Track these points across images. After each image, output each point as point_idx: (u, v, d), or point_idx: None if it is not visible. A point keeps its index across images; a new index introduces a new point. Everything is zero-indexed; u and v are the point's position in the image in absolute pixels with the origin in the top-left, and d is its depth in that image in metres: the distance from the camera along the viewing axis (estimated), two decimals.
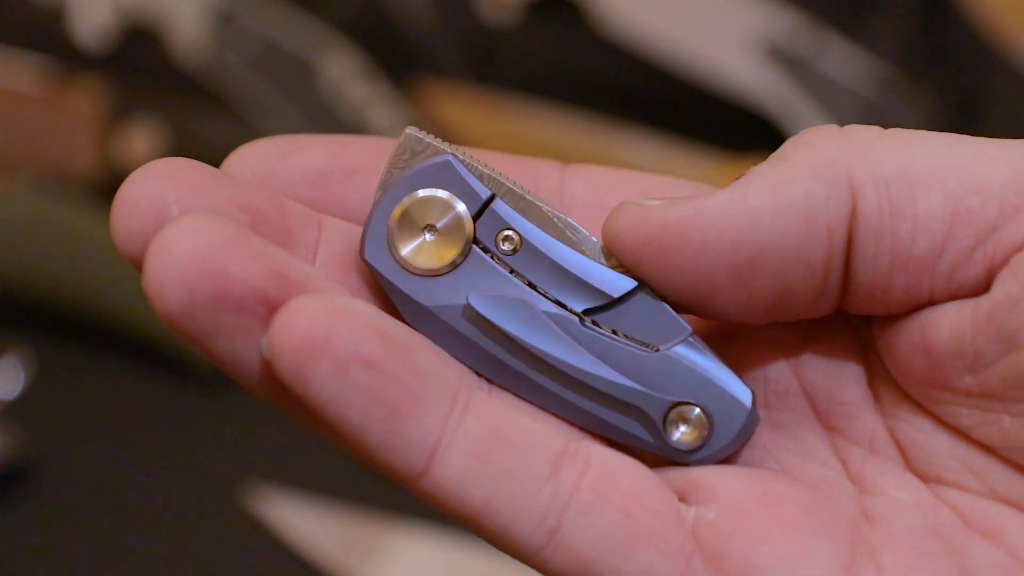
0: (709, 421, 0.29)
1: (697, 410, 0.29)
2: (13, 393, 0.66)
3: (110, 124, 0.74)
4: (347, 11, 0.80)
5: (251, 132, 0.75)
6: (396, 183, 0.29)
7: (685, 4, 0.80)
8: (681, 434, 0.29)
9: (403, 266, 0.29)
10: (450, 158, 0.29)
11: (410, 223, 0.29)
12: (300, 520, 0.61)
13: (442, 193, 0.29)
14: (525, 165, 0.31)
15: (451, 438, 0.27)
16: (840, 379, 0.30)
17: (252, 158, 0.30)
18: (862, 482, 0.29)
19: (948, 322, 0.28)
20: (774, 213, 0.27)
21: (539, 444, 0.28)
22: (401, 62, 0.80)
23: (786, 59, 0.78)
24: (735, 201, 0.27)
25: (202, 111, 0.75)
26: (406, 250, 0.29)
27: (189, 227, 0.26)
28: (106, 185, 0.74)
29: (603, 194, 0.31)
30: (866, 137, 0.28)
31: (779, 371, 0.30)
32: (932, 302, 0.28)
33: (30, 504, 0.61)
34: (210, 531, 0.61)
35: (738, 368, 0.30)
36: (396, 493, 0.65)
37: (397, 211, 0.29)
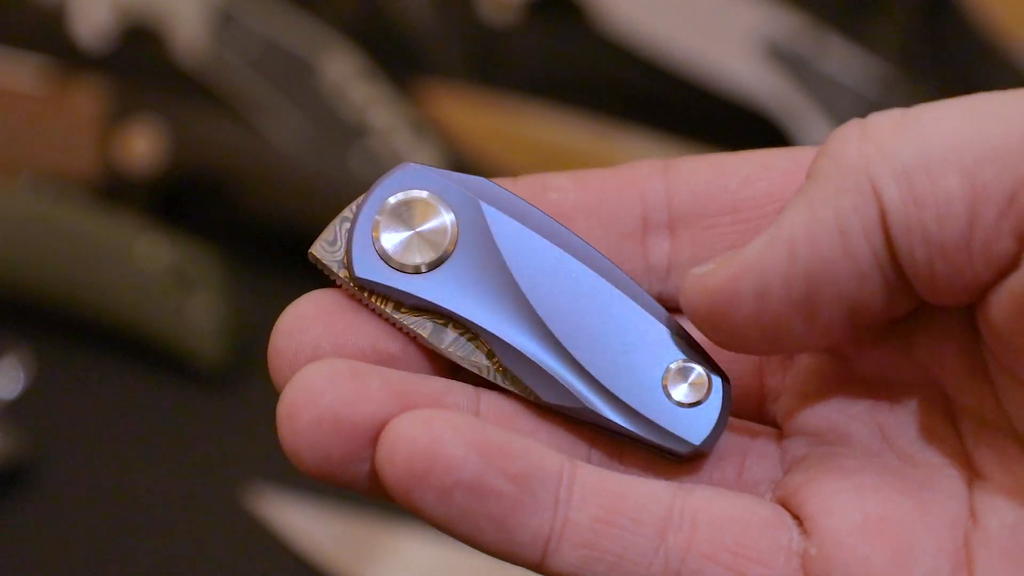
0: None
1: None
2: (13, 393, 0.65)
3: (110, 124, 0.74)
4: (348, 11, 0.80)
5: (251, 132, 0.75)
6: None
7: (686, 4, 0.80)
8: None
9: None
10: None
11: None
12: (300, 520, 0.61)
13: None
14: (624, 174, 0.32)
15: (560, 531, 0.28)
16: (954, 365, 0.30)
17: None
18: (973, 464, 0.29)
19: (999, 303, 0.27)
20: (810, 240, 0.27)
21: (646, 514, 0.28)
22: (402, 62, 0.80)
23: (787, 59, 0.78)
24: (773, 241, 0.28)
25: (202, 111, 0.75)
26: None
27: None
28: (106, 185, 0.74)
29: (706, 199, 0.31)
30: (885, 127, 0.28)
31: (895, 356, 0.30)
32: (986, 284, 0.27)
33: (30, 504, 0.61)
34: (210, 531, 0.61)
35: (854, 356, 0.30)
36: None
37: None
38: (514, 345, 0.30)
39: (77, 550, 0.60)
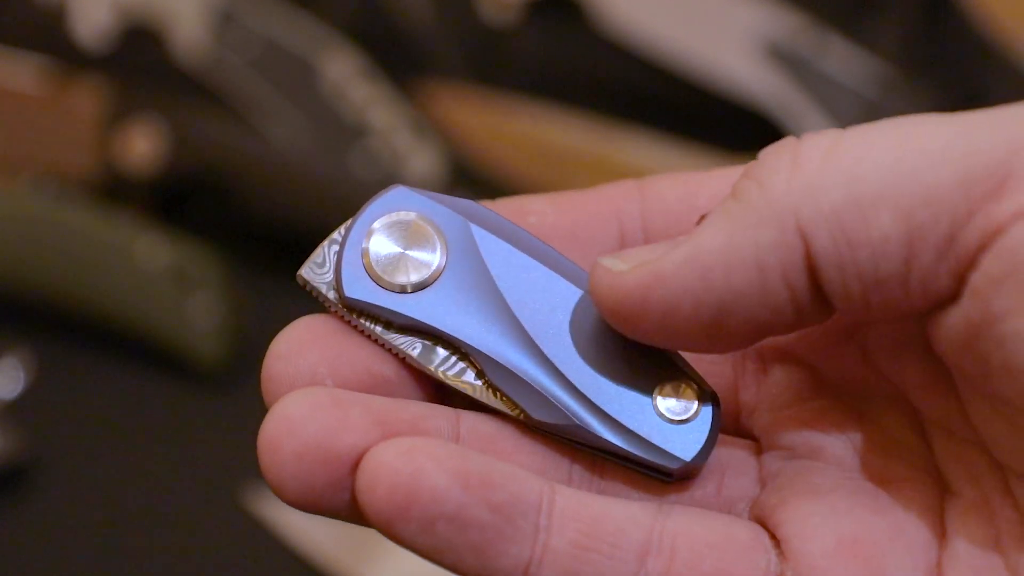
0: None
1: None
2: (13, 393, 0.65)
3: (110, 124, 0.74)
4: (348, 11, 0.80)
5: (251, 132, 0.75)
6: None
7: (686, 4, 0.80)
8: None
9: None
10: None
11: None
12: (300, 520, 0.61)
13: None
14: (600, 196, 0.32)
15: (540, 558, 0.28)
16: (916, 375, 0.30)
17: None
18: (943, 478, 0.29)
19: (942, 333, 0.27)
20: (726, 268, 0.27)
21: (624, 538, 0.28)
22: (402, 62, 0.80)
23: (787, 59, 0.78)
24: (689, 260, 0.27)
25: (202, 111, 0.75)
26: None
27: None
28: (106, 185, 0.74)
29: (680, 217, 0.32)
30: (815, 159, 0.27)
31: (857, 367, 0.31)
32: (927, 311, 0.27)
33: (30, 504, 0.61)
34: (210, 531, 0.61)
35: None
36: None
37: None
38: (504, 363, 0.30)
39: (77, 550, 0.60)
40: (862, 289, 0.27)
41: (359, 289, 0.30)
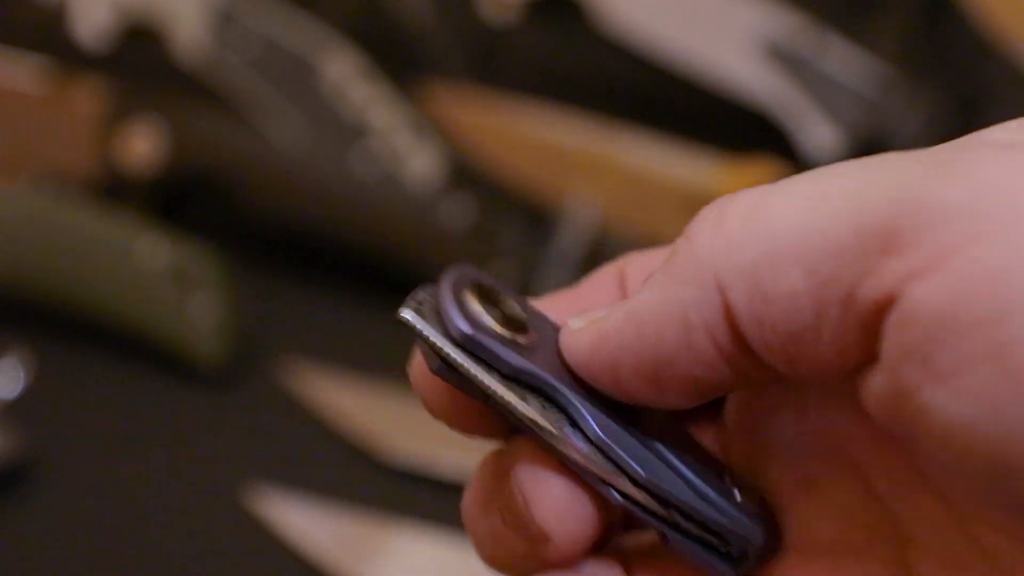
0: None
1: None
2: (13, 393, 0.65)
3: (110, 124, 0.74)
4: (348, 11, 0.80)
5: (251, 132, 0.75)
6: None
7: (686, 4, 0.80)
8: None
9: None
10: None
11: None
12: (300, 520, 0.61)
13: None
14: (589, 288, 0.33)
15: None
16: (851, 427, 0.30)
17: None
18: (900, 526, 0.30)
19: (864, 395, 0.27)
20: (658, 325, 0.28)
21: None
22: (402, 62, 0.80)
23: (787, 59, 0.78)
24: (627, 318, 0.29)
25: (202, 111, 0.75)
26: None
27: None
28: (106, 185, 0.74)
29: None
30: (737, 218, 0.28)
31: (793, 424, 0.31)
32: (842, 369, 0.28)
33: (30, 504, 0.61)
34: (210, 531, 0.61)
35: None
36: (396, 493, 0.65)
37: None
38: (607, 424, 0.29)
39: (77, 550, 0.60)
40: (780, 343, 0.27)
41: (472, 328, 0.29)
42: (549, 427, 0.29)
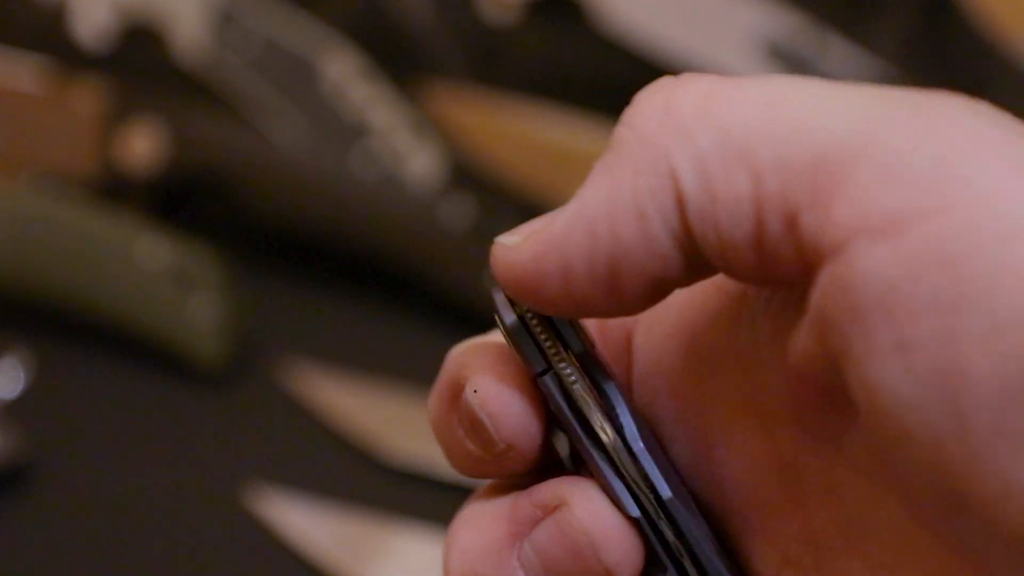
0: None
1: None
2: (13, 393, 0.65)
3: (110, 124, 0.74)
4: (348, 11, 0.80)
5: (252, 132, 0.75)
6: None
7: (686, 4, 0.80)
8: None
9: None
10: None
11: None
12: (300, 520, 0.61)
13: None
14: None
15: None
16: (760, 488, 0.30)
17: None
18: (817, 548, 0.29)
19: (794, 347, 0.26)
20: (610, 221, 0.27)
21: None
22: (402, 62, 0.80)
23: (787, 59, 0.78)
24: (575, 218, 0.27)
25: (202, 111, 0.75)
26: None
27: None
28: (106, 185, 0.74)
29: None
30: (688, 105, 0.27)
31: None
32: (784, 278, 0.26)
33: (30, 504, 0.61)
34: (210, 531, 0.61)
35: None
36: (396, 493, 0.65)
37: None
38: (644, 439, 0.29)
39: (77, 550, 0.60)
40: (721, 247, 0.26)
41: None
42: (599, 416, 0.29)
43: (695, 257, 0.27)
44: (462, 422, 0.30)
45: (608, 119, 0.78)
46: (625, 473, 0.28)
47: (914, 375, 0.23)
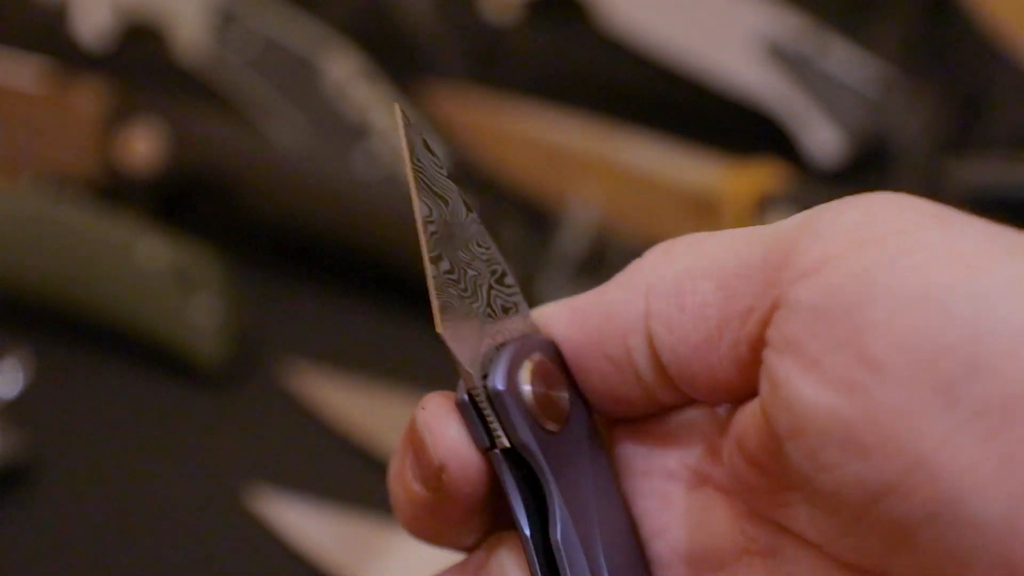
0: None
1: None
2: (13, 393, 0.65)
3: (110, 124, 0.74)
4: (348, 11, 0.80)
5: (252, 132, 0.75)
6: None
7: (688, 4, 0.80)
8: None
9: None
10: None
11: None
12: (300, 520, 0.61)
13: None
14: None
15: None
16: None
17: None
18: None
19: (742, 418, 0.29)
20: (584, 314, 0.31)
21: None
22: (403, 62, 0.80)
23: (789, 59, 0.78)
24: (566, 304, 0.32)
25: (203, 111, 0.75)
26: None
27: None
28: (106, 185, 0.74)
29: None
30: (683, 243, 0.31)
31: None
32: (736, 391, 0.29)
33: (30, 504, 0.61)
34: (211, 532, 0.61)
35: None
36: None
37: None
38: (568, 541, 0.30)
39: (77, 550, 0.60)
40: (686, 355, 0.30)
41: (507, 385, 0.30)
42: (518, 505, 0.30)
43: (648, 375, 0.31)
44: (410, 447, 0.32)
45: (609, 119, 0.78)
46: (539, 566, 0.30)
47: (831, 378, 0.26)
